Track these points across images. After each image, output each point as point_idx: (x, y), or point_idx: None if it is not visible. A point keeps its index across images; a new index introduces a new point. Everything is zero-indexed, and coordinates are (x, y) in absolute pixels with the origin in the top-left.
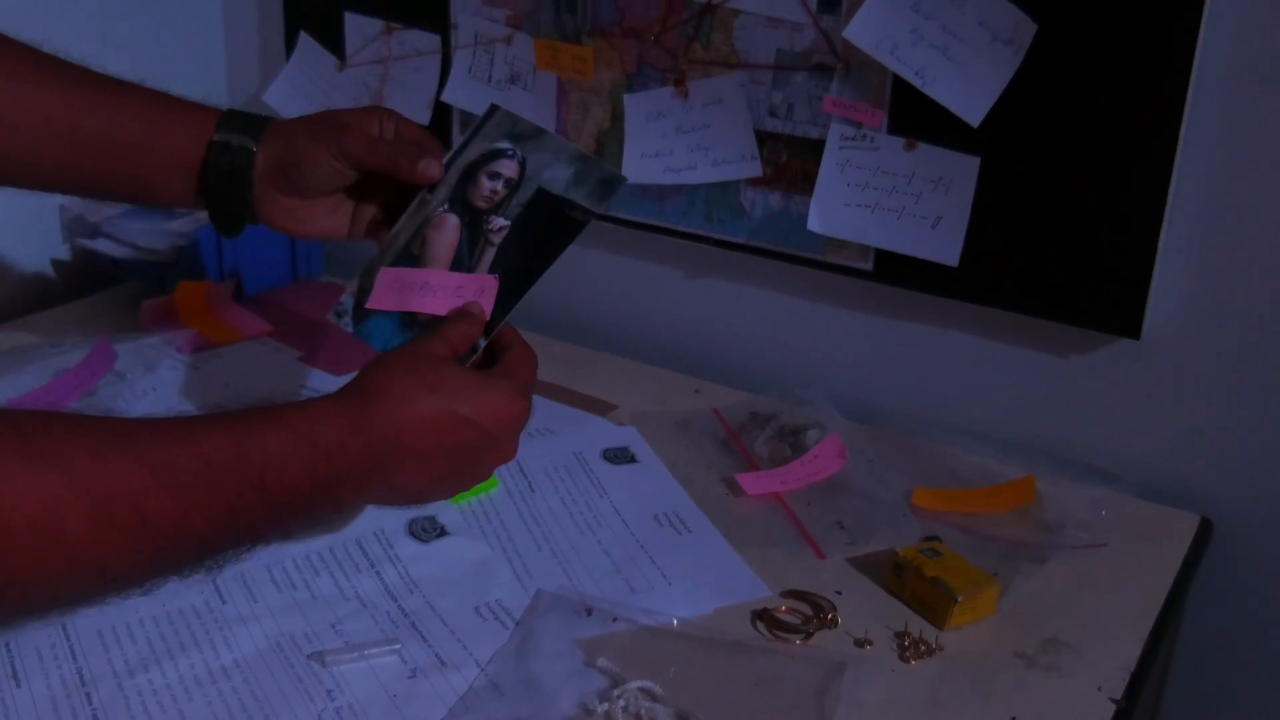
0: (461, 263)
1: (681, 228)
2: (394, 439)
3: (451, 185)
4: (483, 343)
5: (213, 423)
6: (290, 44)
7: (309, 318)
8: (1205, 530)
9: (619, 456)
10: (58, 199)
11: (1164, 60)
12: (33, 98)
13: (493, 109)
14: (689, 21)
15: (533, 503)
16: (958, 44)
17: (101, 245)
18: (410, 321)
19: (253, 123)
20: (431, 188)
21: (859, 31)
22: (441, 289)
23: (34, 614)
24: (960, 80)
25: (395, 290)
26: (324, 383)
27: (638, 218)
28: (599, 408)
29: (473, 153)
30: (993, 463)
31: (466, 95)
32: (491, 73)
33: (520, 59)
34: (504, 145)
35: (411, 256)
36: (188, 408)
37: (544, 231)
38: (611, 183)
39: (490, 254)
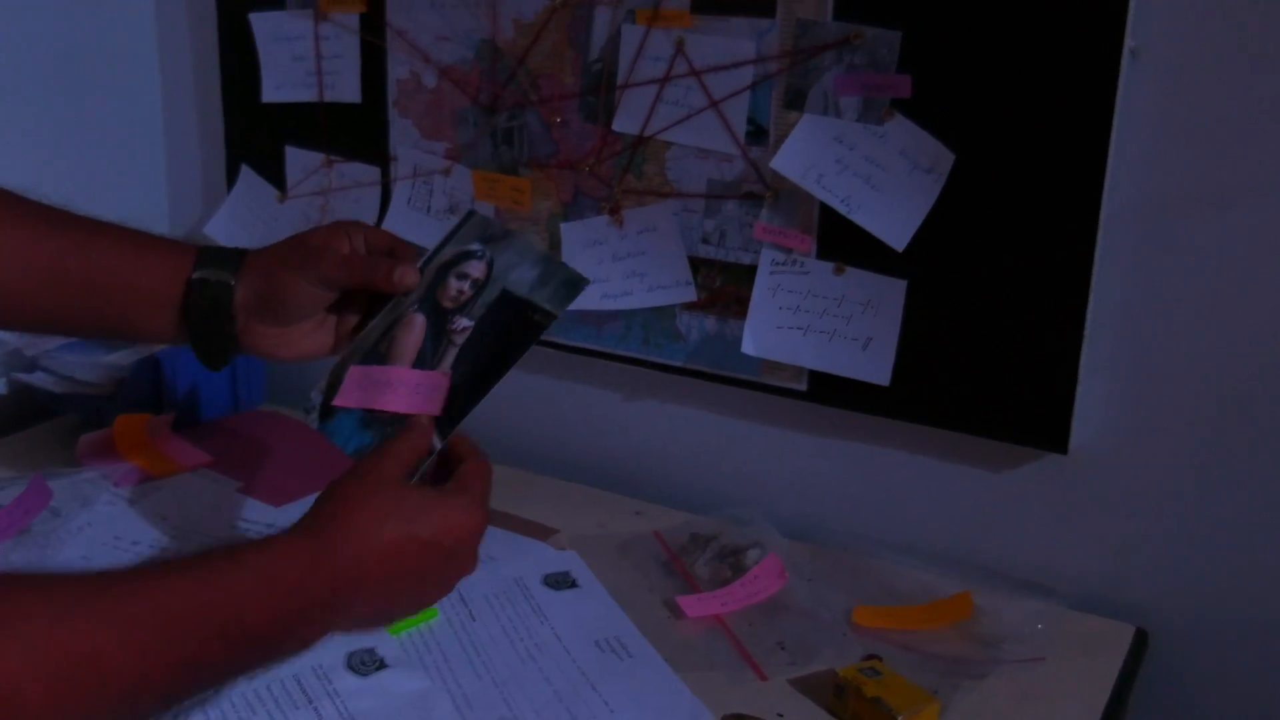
0: (424, 361)
1: (619, 352)
2: (356, 571)
3: (426, 286)
4: (439, 443)
5: (172, 570)
6: (232, 176)
7: (250, 447)
8: (1140, 641)
9: (560, 582)
10: None
11: (1075, 191)
12: (15, 240)
13: (470, 214)
14: (622, 153)
15: (473, 631)
16: (881, 173)
17: (38, 379)
18: (370, 420)
19: (230, 257)
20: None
21: (786, 162)
22: (401, 385)
23: None
24: (884, 207)
25: (361, 388)
26: (262, 514)
27: (576, 343)
28: (539, 532)
29: (446, 254)
30: (930, 578)
31: (406, 225)
32: (431, 203)
33: (459, 190)
34: (474, 247)
35: (379, 355)
36: (124, 543)
37: (505, 333)
38: (574, 284)
39: (451, 354)
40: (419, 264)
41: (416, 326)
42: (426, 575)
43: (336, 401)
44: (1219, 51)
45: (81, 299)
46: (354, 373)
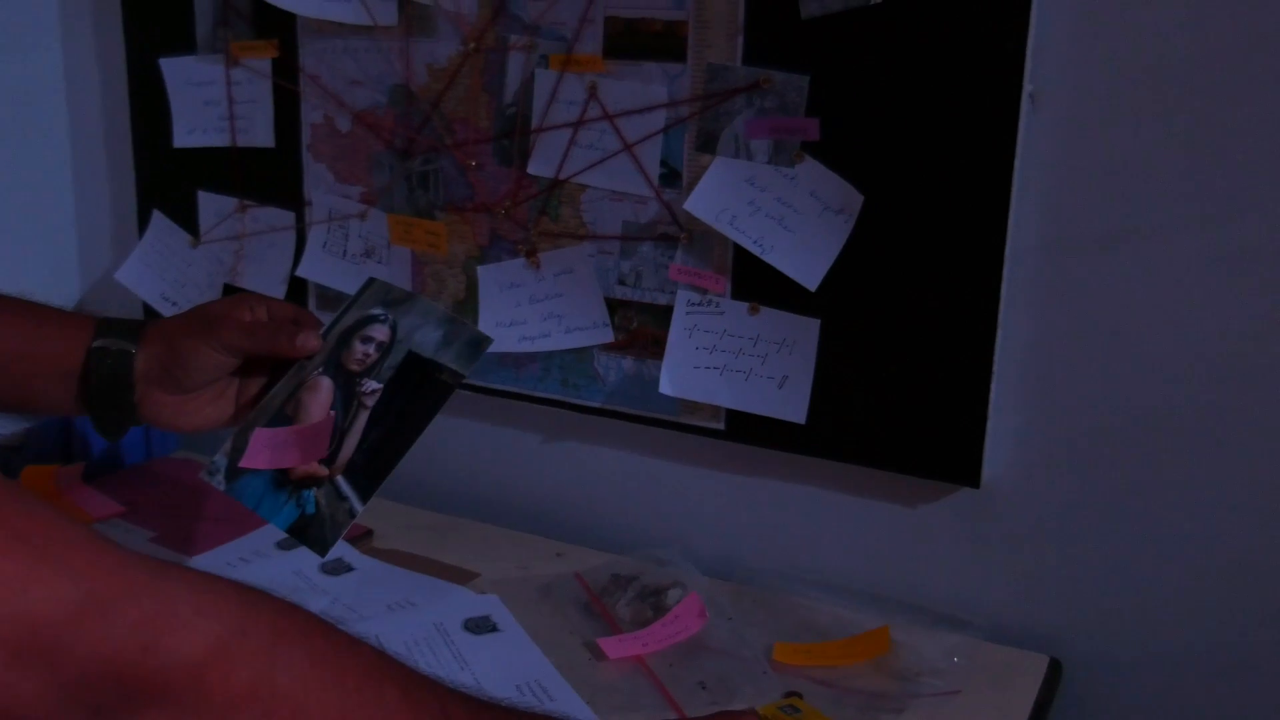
0: (336, 425)
1: (538, 394)
2: None
3: (328, 352)
4: (359, 506)
5: None
6: (143, 222)
7: (164, 496)
8: (1055, 670)
9: (480, 626)
10: None
11: (981, 231)
12: None
13: (370, 281)
14: (538, 196)
15: None
16: (793, 214)
17: None
18: (283, 480)
19: (130, 327)
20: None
21: (699, 204)
22: (298, 441)
23: None
24: (797, 247)
25: (268, 450)
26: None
27: (495, 385)
28: (460, 576)
29: (349, 320)
30: (849, 613)
31: (321, 270)
32: (346, 247)
33: (374, 234)
34: (377, 311)
35: (286, 418)
36: None
37: (415, 394)
38: (478, 344)
39: (364, 417)
40: (321, 331)
41: (323, 389)
42: None
43: (244, 463)
44: (1112, 94)
45: None
46: (260, 435)
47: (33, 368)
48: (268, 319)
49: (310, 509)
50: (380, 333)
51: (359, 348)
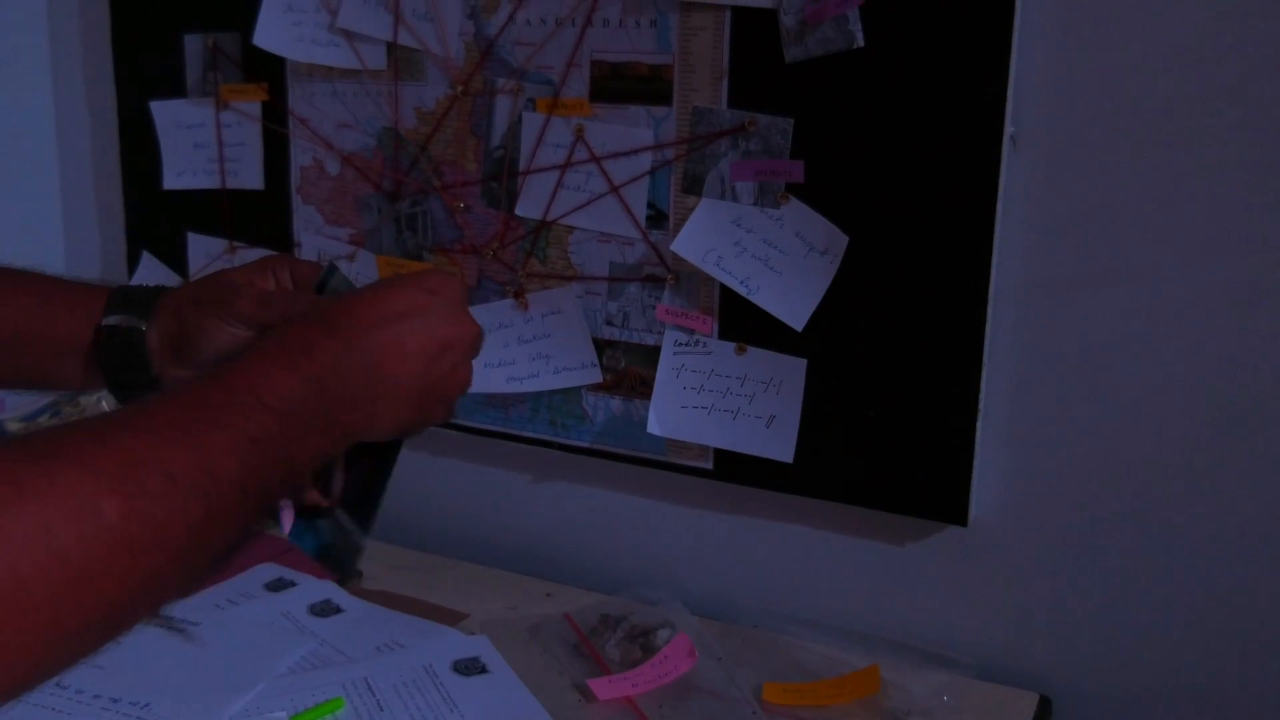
0: None
1: (527, 434)
2: (358, 323)
3: None
4: (364, 543)
5: (184, 383)
6: (132, 263)
7: None
8: (1044, 708)
9: (470, 668)
10: None
11: (964, 270)
12: None
13: (332, 268)
14: (525, 238)
15: None
16: (778, 255)
17: None
18: (300, 508)
19: (143, 299)
20: None
21: (685, 245)
22: None
23: (118, 616)
24: (782, 288)
25: None
26: None
27: (483, 425)
28: (449, 617)
29: None
30: (838, 653)
31: None
32: None
33: (363, 275)
34: None
35: None
36: None
37: None
38: None
39: None
40: None
41: None
42: (430, 328)
43: None
44: (1092, 136)
45: None
46: None
47: (43, 346)
48: (292, 285)
49: (325, 539)
50: None
51: None
